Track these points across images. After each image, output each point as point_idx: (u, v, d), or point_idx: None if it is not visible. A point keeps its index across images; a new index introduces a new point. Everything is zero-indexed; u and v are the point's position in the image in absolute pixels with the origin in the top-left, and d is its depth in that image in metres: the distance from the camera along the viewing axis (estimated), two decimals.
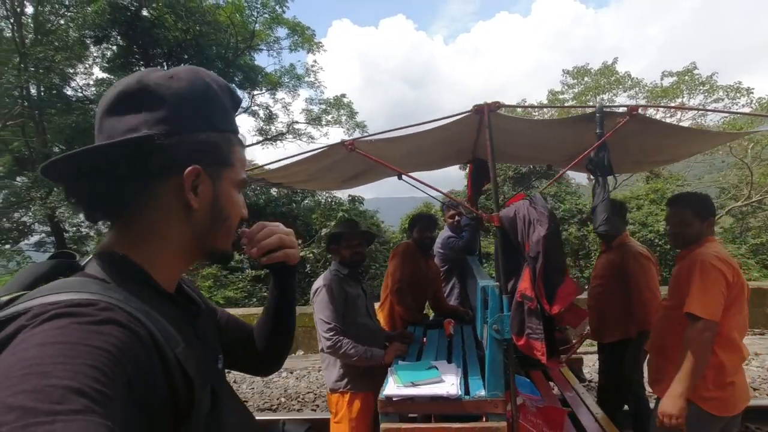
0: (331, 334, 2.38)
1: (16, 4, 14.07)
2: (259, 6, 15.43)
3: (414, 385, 2.06)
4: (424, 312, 3.62)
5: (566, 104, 17.47)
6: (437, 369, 2.21)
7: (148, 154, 0.58)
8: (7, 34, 14.08)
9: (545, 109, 15.32)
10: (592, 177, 1.98)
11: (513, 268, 1.94)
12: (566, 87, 18.02)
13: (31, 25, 14.56)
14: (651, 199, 11.51)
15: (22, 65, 13.11)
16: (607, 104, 2.59)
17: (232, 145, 0.67)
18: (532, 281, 1.79)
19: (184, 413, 0.55)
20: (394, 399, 1.98)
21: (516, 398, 1.92)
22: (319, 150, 2.09)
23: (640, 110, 1.83)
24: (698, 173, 14.83)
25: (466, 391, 2.00)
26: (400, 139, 2.10)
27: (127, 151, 0.57)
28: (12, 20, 14.04)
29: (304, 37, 16.43)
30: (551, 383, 2.93)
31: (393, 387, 2.07)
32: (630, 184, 14.39)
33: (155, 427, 0.51)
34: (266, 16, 15.79)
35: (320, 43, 16.65)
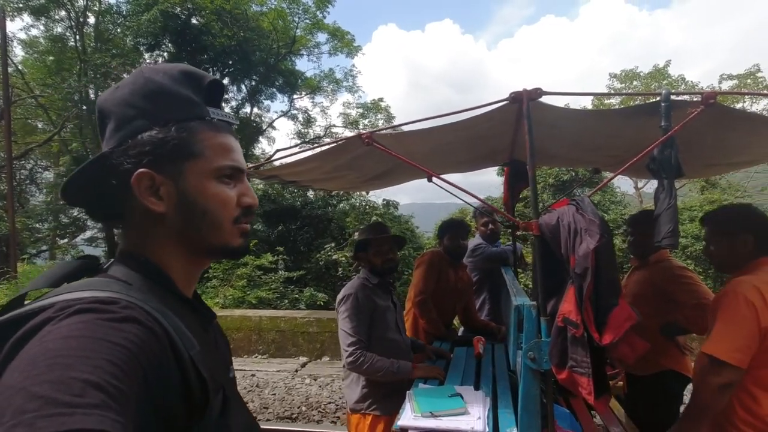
0: (354, 348, 2.17)
1: (80, 16, 15.14)
2: (300, 12, 15.70)
3: (434, 415, 1.79)
4: (452, 326, 3.33)
5: (613, 104, 16.45)
6: (462, 398, 1.93)
7: (107, 170, 0.60)
8: (71, 44, 15.17)
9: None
10: (642, 180, 1.63)
11: (554, 286, 1.64)
12: (614, 92, 17.09)
13: (92, 34, 15.58)
14: (706, 211, 10.52)
15: (83, 71, 14.01)
16: (676, 91, 2.21)
17: (194, 134, 0.63)
18: (577, 303, 1.48)
19: (196, 414, 0.55)
20: (410, 431, 1.72)
21: None
22: (335, 144, 1.88)
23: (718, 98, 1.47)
24: (761, 184, 13.38)
25: (495, 428, 1.72)
26: (425, 134, 1.85)
27: (95, 171, 0.61)
28: (75, 31, 15.11)
29: (344, 42, 16.53)
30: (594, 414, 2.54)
31: (409, 416, 1.82)
32: (682, 194, 13.35)
33: (168, 424, 0.51)
34: (307, 21, 16.03)
35: (359, 47, 16.68)
